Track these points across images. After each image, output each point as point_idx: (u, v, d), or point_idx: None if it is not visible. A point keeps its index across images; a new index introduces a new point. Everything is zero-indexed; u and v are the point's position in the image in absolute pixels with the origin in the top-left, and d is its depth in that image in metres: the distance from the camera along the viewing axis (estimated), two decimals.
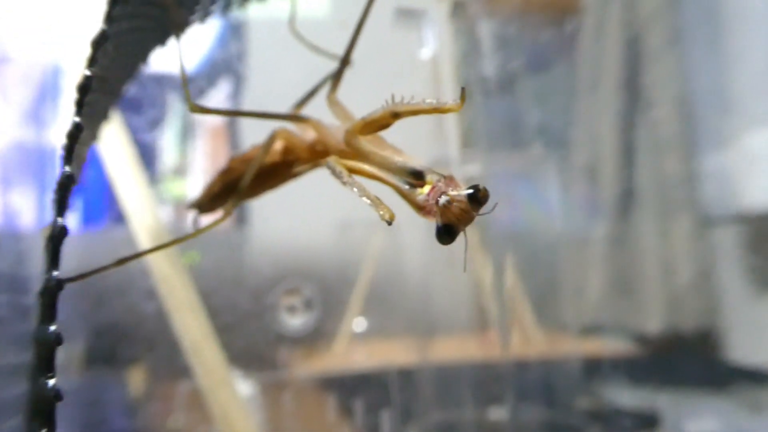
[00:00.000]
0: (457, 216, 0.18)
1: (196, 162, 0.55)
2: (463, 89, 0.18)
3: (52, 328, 0.15)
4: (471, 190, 0.18)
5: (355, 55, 0.24)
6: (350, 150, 0.21)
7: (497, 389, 0.51)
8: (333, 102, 0.23)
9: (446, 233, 0.18)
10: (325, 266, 0.56)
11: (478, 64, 0.57)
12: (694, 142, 0.69)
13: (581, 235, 0.67)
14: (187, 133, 0.56)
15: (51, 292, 0.16)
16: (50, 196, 0.17)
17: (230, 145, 0.55)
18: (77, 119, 0.17)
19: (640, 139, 0.70)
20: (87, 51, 0.17)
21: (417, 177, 0.19)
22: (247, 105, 0.54)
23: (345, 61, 0.23)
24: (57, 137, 0.46)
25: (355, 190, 0.19)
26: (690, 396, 0.55)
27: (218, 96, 0.53)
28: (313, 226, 0.55)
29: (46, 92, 0.43)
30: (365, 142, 0.20)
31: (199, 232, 0.21)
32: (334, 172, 0.20)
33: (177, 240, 0.21)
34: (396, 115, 0.19)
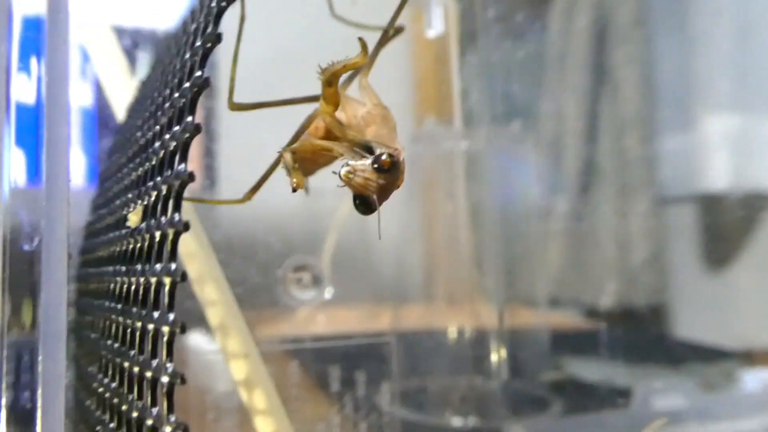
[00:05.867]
0: (362, 185, 0.18)
1: None
2: (360, 39, 0.19)
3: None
4: (373, 159, 0.18)
5: (361, 34, 0.23)
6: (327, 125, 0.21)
7: (465, 359, 0.51)
8: (363, 86, 0.22)
9: (360, 203, 0.19)
10: (293, 233, 0.54)
11: (481, 45, 0.57)
12: (655, 123, 0.71)
13: (545, 210, 0.67)
14: None
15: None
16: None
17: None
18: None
19: (604, 118, 0.71)
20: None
21: (368, 152, 0.19)
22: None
23: (384, 39, 0.21)
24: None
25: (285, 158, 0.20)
26: (649, 371, 0.56)
27: None
28: (281, 194, 0.53)
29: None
30: (332, 120, 0.20)
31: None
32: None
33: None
34: (329, 83, 0.19)
